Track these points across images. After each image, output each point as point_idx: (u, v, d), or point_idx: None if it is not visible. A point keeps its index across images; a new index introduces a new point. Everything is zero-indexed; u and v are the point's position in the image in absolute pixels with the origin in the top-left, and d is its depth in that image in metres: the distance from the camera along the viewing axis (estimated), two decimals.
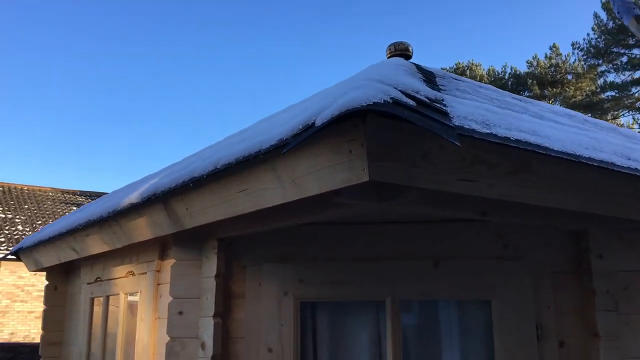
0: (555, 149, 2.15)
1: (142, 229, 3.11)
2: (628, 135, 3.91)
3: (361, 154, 1.76)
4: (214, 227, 2.90)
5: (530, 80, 32.38)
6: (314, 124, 1.78)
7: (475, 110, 2.29)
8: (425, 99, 2.07)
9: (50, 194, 24.27)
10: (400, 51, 4.83)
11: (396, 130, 1.78)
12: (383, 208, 2.09)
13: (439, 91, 2.97)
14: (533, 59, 33.75)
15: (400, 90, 2.01)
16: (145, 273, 3.57)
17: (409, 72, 3.12)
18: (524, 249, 2.87)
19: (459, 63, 36.31)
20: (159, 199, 2.76)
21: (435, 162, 1.91)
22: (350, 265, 2.95)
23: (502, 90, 4.79)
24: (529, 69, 33.60)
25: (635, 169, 2.37)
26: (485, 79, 34.36)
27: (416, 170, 1.88)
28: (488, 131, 2.00)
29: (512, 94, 4.74)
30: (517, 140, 2.04)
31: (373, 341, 2.98)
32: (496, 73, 35.34)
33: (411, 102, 1.88)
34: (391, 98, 1.81)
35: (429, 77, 3.37)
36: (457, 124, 1.94)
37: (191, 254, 3.10)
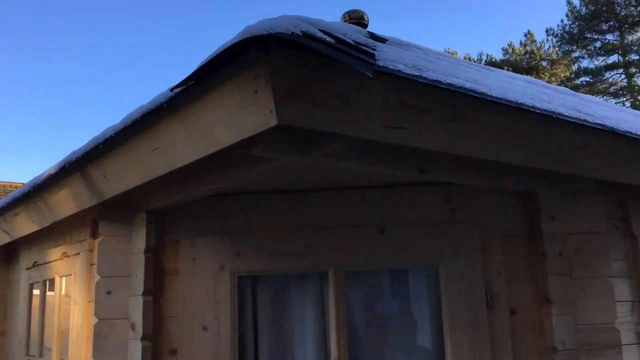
0: (493, 95, 1.97)
1: (65, 202, 2.87)
2: (586, 98, 3.75)
3: (267, 93, 1.55)
4: (141, 198, 2.68)
5: (506, 67, 32.42)
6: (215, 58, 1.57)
7: (408, 55, 2.10)
8: (350, 40, 1.87)
9: None
10: (355, 19, 4.61)
11: (307, 67, 1.58)
12: (307, 161, 1.88)
13: (376, 41, 2.78)
14: (508, 46, 33.83)
15: (320, 29, 1.81)
16: (79, 254, 3.33)
17: (349, 26, 2.91)
18: (472, 212, 2.69)
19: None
20: (76, 167, 2.54)
21: (355, 104, 1.71)
22: (290, 236, 2.74)
23: (464, 61, 4.61)
24: (504, 56, 33.69)
25: (585, 120, 2.20)
26: None
27: (333, 113, 1.68)
28: (417, 73, 1.81)
29: (474, 63, 4.57)
30: (449, 84, 1.85)
31: (317, 316, 2.79)
32: (472, 60, 35.36)
33: (328, 39, 1.68)
34: (302, 31, 1.60)
35: (371, 35, 3.16)
36: (382, 64, 1.74)
37: (120, 229, 2.87)
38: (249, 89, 1.60)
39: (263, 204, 2.78)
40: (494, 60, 33.66)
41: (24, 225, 3.47)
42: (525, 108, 1.98)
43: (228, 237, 2.77)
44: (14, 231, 3.65)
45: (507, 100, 1.98)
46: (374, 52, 1.79)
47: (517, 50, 33.07)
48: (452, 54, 35.16)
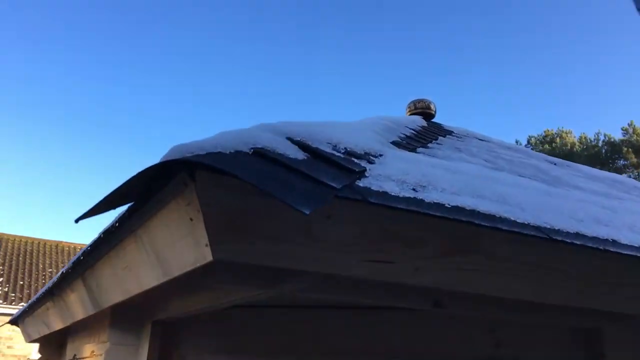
0: (519, 221, 1.57)
1: (76, 306, 2.72)
2: None
3: (200, 224, 1.28)
4: (149, 307, 2.47)
5: (626, 148, 30.37)
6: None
7: (418, 168, 1.76)
8: (329, 152, 1.58)
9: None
10: (421, 109, 4.33)
11: (250, 193, 1.30)
12: (278, 294, 1.57)
13: (437, 133, 2.46)
14: (629, 125, 31.75)
15: (293, 140, 1.54)
16: (102, 355, 3.15)
17: (382, 127, 2.62)
18: (522, 348, 2.21)
19: (548, 131, 34.92)
20: (77, 272, 2.38)
21: (321, 236, 1.39)
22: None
23: (536, 153, 4.14)
24: (624, 136, 31.61)
25: None
26: (577, 147, 32.75)
27: (292, 247, 1.37)
28: (408, 196, 1.47)
29: (551, 158, 4.09)
30: (455, 209, 1.49)
31: None
32: (589, 141, 33.59)
33: (289, 155, 1.40)
34: (252, 148, 1.34)
35: (431, 126, 2.86)
36: (362, 185, 1.43)
37: (129, 338, 2.65)
38: (185, 216, 1.34)
39: (284, 319, 2.46)
40: (612, 140, 31.70)
41: (54, 320, 3.38)
42: (560, 239, 1.56)
43: (239, 356, 2.46)
44: (49, 324, 3.57)
45: (538, 229, 1.58)
46: (353, 169, 1.49)
47: (638, 130, 30.93)
48: (566, 133, 33.62)
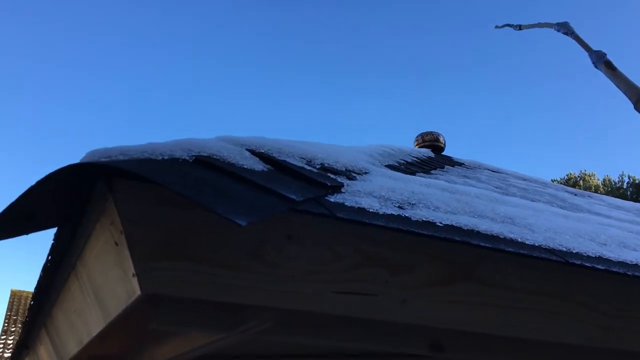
0: (528, 242, 1.30)
1: (46, 355, 2.45)
2: None
3: (124, 248, 1.04)
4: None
5: None
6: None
7: (408, 186, 1.51)
8: (298, 166, 1.34)
9: None
10: (430, 142, 4.09)
11: (190, 208, 1.05)
12: (239, 338, 1.30)
13: (447, 164, 2.20)
14: None
15: (254, 152, 1.31)
16: None
17: (381, 152, 2.37)
18: None
19: (571, 174, 34.37)
20: (38, 321, 2.12)
21: (279, 261, 1.13)
22: None
23: (554, 184, 3.85)
24: None
25: None
26: (601, 189, 32.14)
27: (242, 276, 1.11)
28: (392, 213, 1.21)
29: (571, 189, 3.78)
30: (449, 227, 1.23)
31: None
32: (613, 183, 32.94)
33: (243, 165, 1.16)
34: (195, 155, 1.11)
35: (439, 157, 2.62)
36: (333, 200, 1.18)
37: None
38: (111, 240, 1.10)
39: None
40: (637, 181, 31.03)
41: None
42: (579, 263, 1.28)
43: None
44: None
45: (552, 251, 1.30)
46: (324, 183, 1.24)
47: None
48: (589, 176, 33.04)
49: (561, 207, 2.17)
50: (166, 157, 1.04)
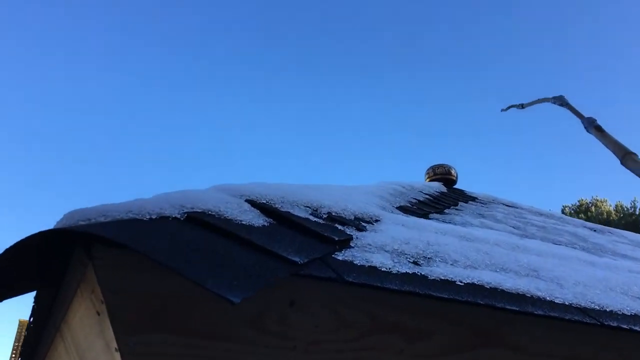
0: (557, 301, 1.18)
1: None
2: None
3: (105, 318, 0.92)
4: None
5: None
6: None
7: (423, 236, 1.39)
8: (303, 218, 1.23)
9: None
10: (441, 175, 3.96)
11: (175, 275, 0.94)
12: None
13: (424, 215, 2.08)
14: None
15: (255, 203, 1.19)
16: None
17: (391, 191, 2.25)
18: None
19: (582, 200, 34.02)
20: None
21: (280, 332, 1.01)
22: None
23: (571, 219, 3.71)
24: None
25: None
26: (614, 216, 31.77)
27: (237, 349, 0.98)
28: (407, 271, 1.09)
29: (589, 224, 3.64)
30: (470, 287, 1.11)
31: None
32: (625, 209, 32.53)
33: (242, 220, 1.05)
34: (188, 212, 1.00)
35: (451, 191, 2.50)
36: (341, 259, 1.07)
37: None
38: (92, 309, 0.98)
39: None
40: None
41: None
42: (615, 325, 1.15)
43: None
44: None
45: (584, 311, 1.18)
46: (331, 238, 1.12)
47: None
48: (601, 202, 32.74)
49: (584, 250, 2.04)
50: (154, 217, 0.93)
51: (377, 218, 1.50)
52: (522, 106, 1.79)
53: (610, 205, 33.05)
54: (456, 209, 2.52)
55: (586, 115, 1.47)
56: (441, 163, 4.03)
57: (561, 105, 1.54)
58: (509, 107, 1.79)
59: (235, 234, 0.98)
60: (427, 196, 2.59)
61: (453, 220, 2.06)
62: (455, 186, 3.98)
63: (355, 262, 1.08)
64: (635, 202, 32.18)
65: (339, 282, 0.97)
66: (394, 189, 2.36)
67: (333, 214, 1.38)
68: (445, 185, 3.77)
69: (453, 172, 3.99)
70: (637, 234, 3.44)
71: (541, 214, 3.31)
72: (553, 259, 1.56)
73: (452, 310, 1.12)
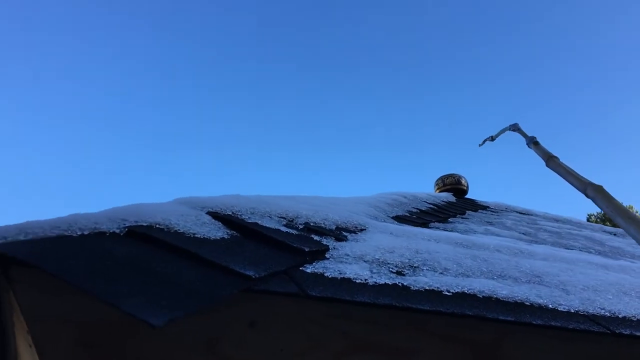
0: (561, 309, 1.04)
1: None
2: None
3: (34, 352, 0.81)
4: None
5: None
6: None
7: (412, 244, 1.26)
8: (272, 229, 1.11)
9: None
10: (451, 185, 3.83)
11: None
12: None
13: (423, 224, 1.95)
14: None
15: (218, 215, 1.09)
16: None
17: (390, 201, 2.13)
18: None
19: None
20: None
21: (236, 356, 0.89)
22: None
23: (590, 224, 3.53)
24: None
25: None
26: None
27: None
28: (387, 282, 0.97)
29: (610, 228, 3.46)
30: (458, 297, 0.98)
31: None
32: None
33: (196, 234, 0.94)
34: (130, 226, 0.89)
35: (464, 201, 2.37)
36: (313, 270, 0.95)
37: None
38: (24, 340, 0.87)
39: None
40: None
41: None
42: (628, 333, 1.01)
43: None
44: None
45: (592, 319, 1.04)
46: (301, 249, 1.01)
47: None
48: (629, 208, 32.07)
49: (600, 254, 1.89)
50: (86, 233, 0.82)
51: (362, 227, 1.37)
52: (492, 139, 1.76)
53: (638, 211, 32.35)
54: (462, 218, 2.39)
55: (530, 134, 1.49)
56: (451, 173, 3.89)
57: (514, 130, 1.54)
58: (483, 142, 1.76)
59: (181, 248, 0.86)
60: (431, 205, 2.45)
61: (455, 228, 1.92)
62: (467, 196, 3.84)
63: (326, 275, 0.96)
64: None
65: (301, 298, 0.85)
66: (394, 199, 2.24)
67: (311, 224, 1.26)
68: (455, 195, 3.63)
69: (463, 181, 3.84)
70: None
71: (557, 220, 3.15)
72: (561, 264, 1.42)
73: (439, 324, 0.99)
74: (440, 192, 3.81)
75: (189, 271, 0.80)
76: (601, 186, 1.13)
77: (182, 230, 0.94)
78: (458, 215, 2.44)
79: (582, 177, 1.17)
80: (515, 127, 1.62)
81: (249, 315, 0.90)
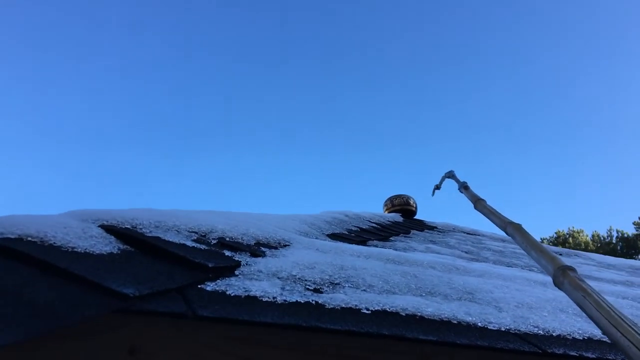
0: (491, 327, 0.96)
1: None
2: None
3: None
4: None
5: None
6: None
7: (337, 260, 1.16)
8: (176, 243, 1.00)
9: None
10: (399, 206, 3.76)
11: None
12: None
13: (360, 242, 1.86)
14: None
15: (114, 229, 0.96)
16: None
17: (330, 219, 2.03)
18: None
19: (560, 231, 34.15)
20: None
21: None
22: None
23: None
24: (637, 230, 30.72)
25: None
26: (591, 246, 31.89)
27: None
28: (298, 299, 0.87)
29: (557, 248, 3.45)
30: (377, 315, 0.88)
31: None
32: (601, 238, 32.68)
33: (77, 247, 0.82)
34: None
35: (412, 222, 2.28)
36: (213, 288, 0.84)
37: None
38: None
39: None
40: (626, 235, 30.83)
41: None
42: (561, 353, 0.93)
43: None
44: None
45: (524, 337, 0.96)
46: (204, 264, 0.89)
47: None
48: (578, 233, 32.90)
49: (542, 272, 1.82)
50: None
51: (286, 243, 1.27)
52: (438, 187, 1.76)
53: (587, 235, 33.18)
54: (405, 237, 2.31)
55: (461, 180, 1.52)
56: (399, 194, 3.84)
57: (449, 177, 1.55)
58: (433, 192, 1.77)
59: (49, 263, 0.74)
60: (373, 225, 2.37)
61: (394, 246, 1.84)
62: (415, 217, 3.78)
63: (228, 293, 0.85)
64: (612, 231, 32.38)
65: (188, 319, 0.74)
66: (334, 217, 2.14)
67: (226, 239, 1.15)
68: (403, 216, 3.57)
69: (412, 202, 3.79)
70: (606, 256, 3.25)
71: (503, 240, 3.11)
72: (496, 280, 1.34)
73: (354, 346, 0.89)
74: (388, 212, 3.74)
75: (51, 289, 0.68)
76: (519, 224, 1.13)
77: (58, 244, 0.82)
78: (401, 235, 2.36)
79: (503, 217, 1.18)
80: (450, 174, 1.64)
81: (128, 341, 0.78)
